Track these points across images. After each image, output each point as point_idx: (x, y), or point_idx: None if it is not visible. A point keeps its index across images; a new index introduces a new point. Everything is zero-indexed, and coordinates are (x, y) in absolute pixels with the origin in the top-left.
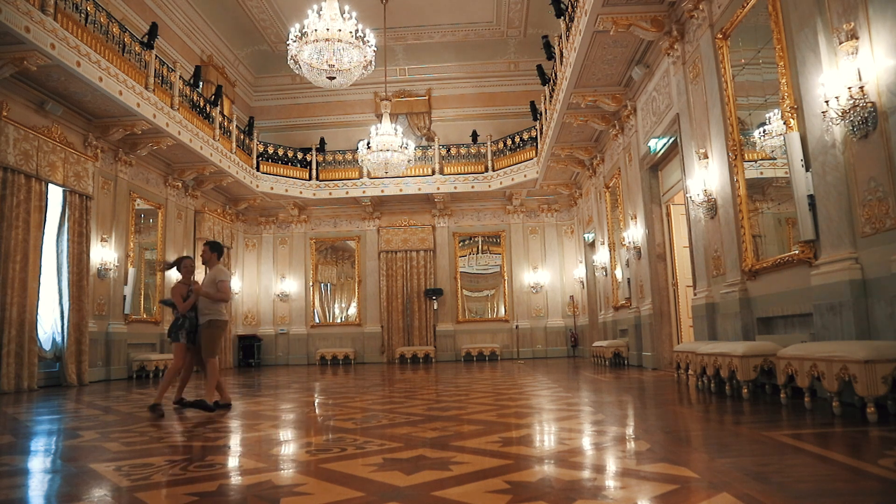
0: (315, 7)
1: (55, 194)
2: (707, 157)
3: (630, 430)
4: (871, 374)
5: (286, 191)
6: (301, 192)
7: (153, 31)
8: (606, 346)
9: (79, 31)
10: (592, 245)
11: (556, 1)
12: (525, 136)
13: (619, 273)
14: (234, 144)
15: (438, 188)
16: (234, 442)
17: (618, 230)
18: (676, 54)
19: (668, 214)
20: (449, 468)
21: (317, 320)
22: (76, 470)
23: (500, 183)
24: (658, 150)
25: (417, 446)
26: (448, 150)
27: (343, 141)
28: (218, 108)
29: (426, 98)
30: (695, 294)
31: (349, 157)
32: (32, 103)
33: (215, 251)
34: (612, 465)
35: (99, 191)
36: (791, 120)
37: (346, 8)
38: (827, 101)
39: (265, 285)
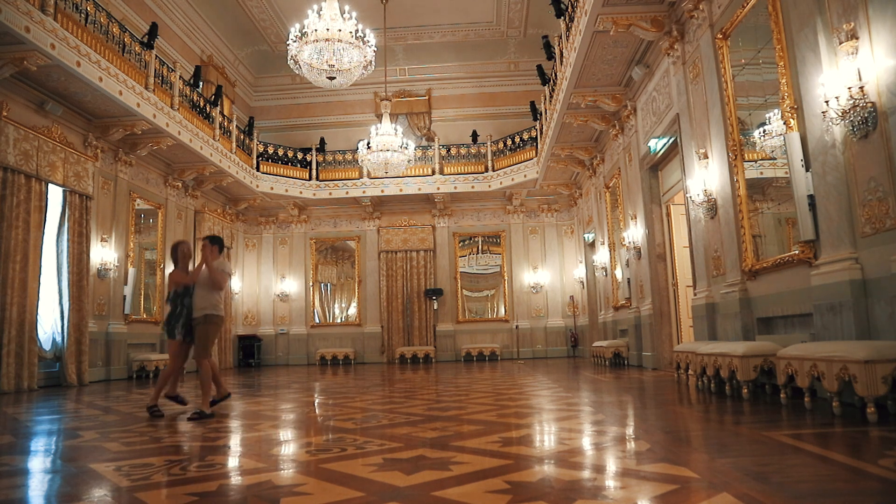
0: (315, 7)
1: (55, 194)
2: (707, 157)
3: (630, 430)
4: (871, 374)
5: (286, 191)
6: (301, 192)
7: (153, 31)
8: (606, 346)
9: (79, 31)
10: (592, 245)
11: (556, 1)
12: (525, 136)
13: (619, 273)
14: (234, 144)
15: (438, 188)
16: (234, 442)
17: (618, 230)
18: (676, 54)
19: (668, 214)
20: (449, 468)
21: (317, 320)
22: (76, 470)
23: (500, 183)
24: (658, 150)
25: (417, 446)
26: (448, 150)
27: (343, 141)
28: (218, 108)
29: (426, 98)
30: (695, 294)
31: (349, 157)
32: (32, 103)
33: (216, 244)
34: (612, 465)
35: (99, 191)
36: (791, 120)
37: (346, 8)
38: (827, 101)
39: (265, 285)
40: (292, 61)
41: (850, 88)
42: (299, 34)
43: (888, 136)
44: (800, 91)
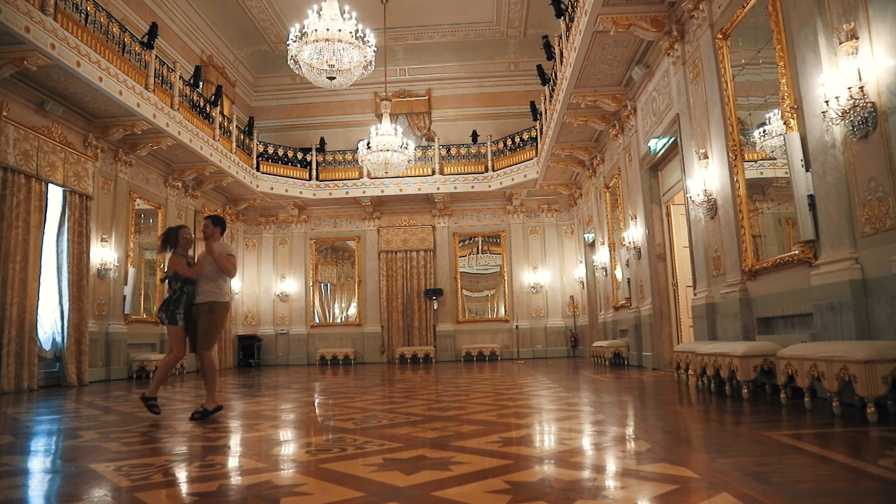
0: (315, 7)
1: (55, 194)
2: (707, 157)
3: (630, 430)
4: (871, 374)
5: (286, 191)
6: (301, 192)
7: (153, 31)
8: (606, 346)
9: (79, 32)
10: (592, 245)
11: (556, 1)
12: (525, 136)
13: (619, 273)
14: (234, 144)
15: (438, 188)
16: (234, 442)
17: (618, 230)
18: (676, 54)
19: (668, 214)
20: (449, 468)
21: (317, 320)
22: (76, 470)
23: (500, 183)
24: (658, 150)
25: (417, 446)
26: (448, 150)
27: (343, 141)
28: (218, 108)
29: (426, 98)
30: (695, 294)
31: (349, 157)
32: (32, 103)
33: (218, 225)
34: (612, 465)
35: (99, 191)
36: (791, 120)
37: (346, 8)
38: (827, 101)
39: (265, 285)
40: (292, 61)
41: (850, 88)
42: (299, 34)
43: (888, 136)
44: (800, 91)
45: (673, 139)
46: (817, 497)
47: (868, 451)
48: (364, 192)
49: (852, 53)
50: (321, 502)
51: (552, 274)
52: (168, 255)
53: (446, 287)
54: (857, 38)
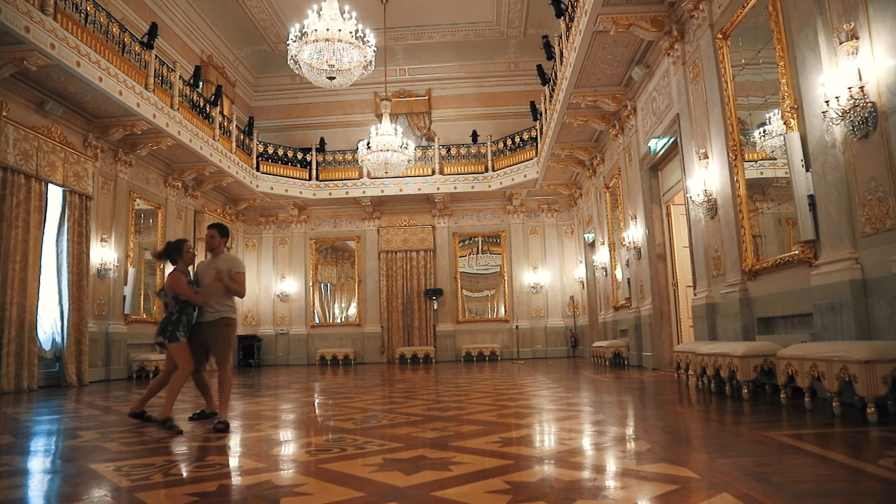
0: (315, 7)
1: (55, 194)
2: (707, 157)
3: (630, 431)
4: (871, 374)
5: (286, 191)
6: (301, 192)
7: (153, 31)
8: (606, 346)
9: (79, 31)
10: (592, 245)
11: (556, 1)
12: (525, 136)
13: (619, 273)
14: (233, 144)
15: (438, 188)
16: (234, 442)
17: (618, 230)
18: (676, 54)
19: (668, 214)
20: (449, 468)
21: (317, 320)
22: (76, 470)
23: (500, 183)
24: (658, 150)
25: (417, 446)
26: (448, 150)
27: (343, 141)
28: (218, 108)
29: (426, 98)
30: (695, 294)
31: (349, 157)
32: (32, 103)
33: (224, 236)
34: (612, 466)
35: (99, 191)
36: (791, 120)
37: (346, 8)
38: (827, 101)
39: (265, 285)
40: (292, 61)
41: (850, 88)
42: (299, 34)
43: (888, 136)
44: (800, 91)
45: (673, 139)
46: (817, 497)
47: (868, 451)
48: (364, 192)
49: (852, 53)
50: (321, 502)
51: (552, 274)
52: (165, 267)
53: (446, 287)
54: (857, 38)
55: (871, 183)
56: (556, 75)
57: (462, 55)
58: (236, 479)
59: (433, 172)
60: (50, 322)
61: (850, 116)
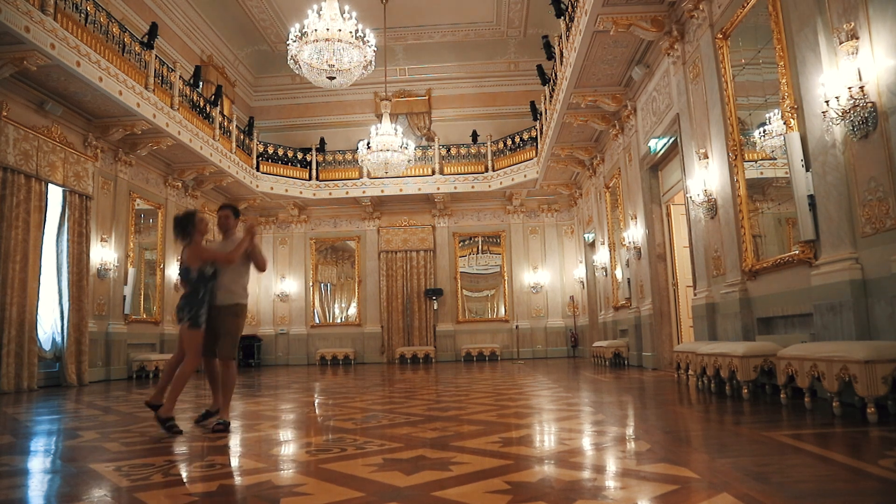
0: (315, 7)
1: (55, 194)
2: (707, 157)
3: (630, 431)
4: (871, 374)
5: (286, 191)
6: (301, 192)
7: (153, 31)
8: (606, 346)
9: (79, 31)
10: (592, 245)
11: (556, 1)
12: (525, 136)
13: (619, 273)
14: (233, 144)
15: (438, 188)
16: (234, 442)
17: (618, 230)
18: (676, 54)
19: (668, 214)
20: (449, 468)
21: (317, 320)
22: (76, 470)
23: (500, 183)
24: (658, 150)
25: (417, 446)
26: (448, 150)
27: (343, 141)
28: (218, 108)
29: (426, 98)
30: (695, 294)
31: (349, 157)
32: (32, 103)
33: (238, 216)
34: (612, 466)
35: (99, 191)
36: (791, 120)
37: (346, 8)
38: (827, 101)
39: (265, 285)
40: (292, 61)
41: (850, 88)
42: (299, 34)
43: (888, 136)
44: (800, 91)
45: (673, 139)
46: (817, 497)
47: (868, 451)
48: (364, 192)
49: (852, 53)
50: (321, 502)
51: (552, 274)
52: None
53: (446, 287)
54: (857, 38)
55: (871, 183)
56: (556, 75)
57: (462, 55)
58: (236, 479)
59: (433, 172)
60: (50, 322)
61: (850, 116)
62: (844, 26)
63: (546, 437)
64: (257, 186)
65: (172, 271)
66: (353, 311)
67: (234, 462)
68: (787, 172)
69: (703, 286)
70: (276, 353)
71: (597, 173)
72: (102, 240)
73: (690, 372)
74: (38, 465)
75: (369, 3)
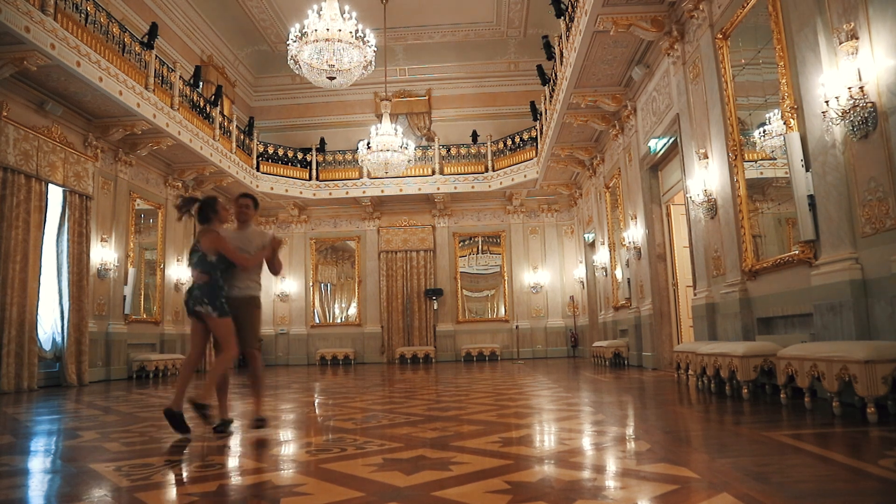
0: (315, 7)
1: (55, 194)
2: (707, 157)
3: (630, 431)
4: (871, 374)
5: (286, 191)
6: (301, 193)
7: (153, 31)
8: (606, 346)
9: (79, 32)
10: (592, 245)
11: (556, 1)
12: (525, 136)
13: (619, 273)
14: (234, 144)
15: (438, 188)
16: (234, 442)
17: (618, 230)
18: (676, 54)
19: (668, 214)
20: (449, 468)
21: (317, 320)
22: (76, 470)
23: (500, 183)
24: (658, 150)
25: (417, 446)
26: (448, 151)
27: (343, 141)
28: (218, 108)
29: (426, 98)
30: (695, 294)
31: (349, 157)
32: (32, 103)
33: (257, 208)
34: (612, 466)
35: (99, 191)
36: (791, 120)
37: (346, 8)
38: (827, 102)
39: (265, 285)
40: (292, 61)
41: (850, 88)
42: (299, 34)
43: (888, 136)
44: (800, 91)
45: (673, 139)
46: (817, 497)
47: (868, 452)
48: (364, 192)
49: (852, 53)
50: (321, 502)
51: (552, 274)
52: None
53: (446, 287)
54: (857, 39)
55: (870, 183)
56: (556, 75)
57: (462, 55)
58: (236, 479)
59: (433, 172)
60: (50, 322)
61: (850, 116)
62: (844, 26)
63: (546, 436)
64: (257, 186)
65: (173, 271)
66: (353, 311)
67: (234, 462)
68: (787, 172)
69: (703, 286)
70: (276, 353)
71: (597, 173)
72: (102, 240)
73: (690, 372)
74: (39, 465)
75: (369, 3)
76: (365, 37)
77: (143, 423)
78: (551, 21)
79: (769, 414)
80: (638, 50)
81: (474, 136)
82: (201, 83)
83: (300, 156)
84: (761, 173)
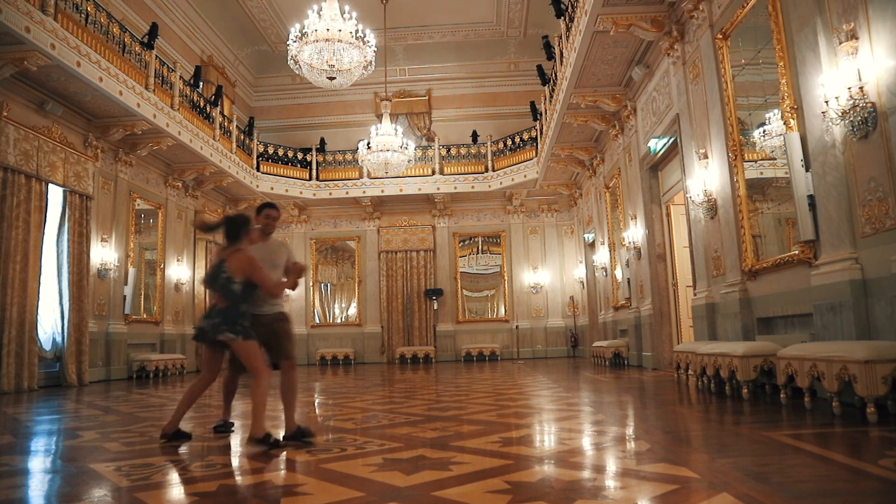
0: (315, 7)
1: (55, 194)
2: (707, 158)
3: (630, 430)
4: (871, 374)
5: (286, 191)
6: (301, 193)
7: (153, 31)
8: (606, 346)
9: (79, 32)
10: (592, 245)
11: (556, 1)
12: (525, 136)
13: (619, 273)
14: (234, 144)
15: (438, 188)
16: (234, 442)
17: (618, 230)
18: (676, 54)
19: (668, 214)
20: (449, 468)
21: (317, 320)
22: (76, 470)
23: (500, 183)
24: (658, 150)
25: (417, 446)
26: (448, 151)
27: (343, 141)
28: (218, 108)
29: (426, 98)
30: (695, 294)
31: (349, 157)
32: (32, 103)
33: (279, 218)
34: (612, 465)
35: (99, 191)
36: (791, 120)
37: (346, 8)
38: (827, 102)
39: None
40: (292, 61)
41: (849, 88)
42: (299, 34)
43: (888, 136)
44: (800, 91)
45: (673, 139)
46: (817, 497)
47: (868, 451)
48: (364, 192)
49: (852, 54)
50: (321, 502)
51: (552, 274)
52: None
53: (446, 287)
54: (856, 39)
55: (870, 183)
56: (556, 75)
57: (462, 55)
58: (236, 479)
59: (433, 172)
60: (50, 322)
61: (850, 116)
62: (844, 27)
63: (546, 436)
64: (257, 186)
65: (173, 271)
66: (353, 311)
67: (234, 462)
68: (786, 172)
69: (703, 286)
70: None
71: (597, 173)
72: (103, 240)
73: (690, 372)
74: (39, 465)
75: (369, 3)
76: (365, 37)
77: (143, 423)
78: (551, 21)
79: (769, 414)
80: (638, 50)
81: (474, 136)
82: (201, 83)
83: (300, 156)
84: (761, 173)
